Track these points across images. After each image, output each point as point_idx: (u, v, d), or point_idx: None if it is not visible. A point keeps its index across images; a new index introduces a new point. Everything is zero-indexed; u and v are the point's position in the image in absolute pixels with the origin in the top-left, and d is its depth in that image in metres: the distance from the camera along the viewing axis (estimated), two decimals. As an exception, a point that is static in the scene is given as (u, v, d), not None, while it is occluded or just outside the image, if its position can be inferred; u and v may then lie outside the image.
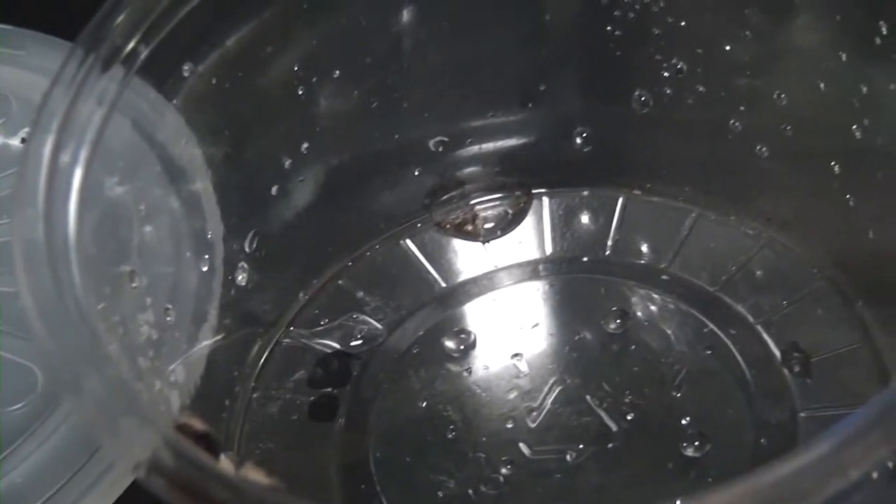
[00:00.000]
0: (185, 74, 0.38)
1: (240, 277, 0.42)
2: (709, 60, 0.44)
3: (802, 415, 0.41)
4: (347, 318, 0.45)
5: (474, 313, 0.45)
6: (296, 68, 0.43)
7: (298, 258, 0.46)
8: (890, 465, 0.32)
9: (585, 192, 0.47)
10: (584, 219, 0.47)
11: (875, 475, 0.32)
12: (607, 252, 0.46)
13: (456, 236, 0.47)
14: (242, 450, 0.41)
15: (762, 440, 0.40)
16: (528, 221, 0.47)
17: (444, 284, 0.46)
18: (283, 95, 0.43)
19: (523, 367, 0.43)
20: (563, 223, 0.47)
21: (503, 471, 0.40)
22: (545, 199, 0.47)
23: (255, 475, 0.32)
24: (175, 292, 0.39)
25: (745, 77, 0.44)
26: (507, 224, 0.47)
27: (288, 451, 0.42)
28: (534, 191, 0.47)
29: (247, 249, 0.43)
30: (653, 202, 0.47)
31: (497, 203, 0.48)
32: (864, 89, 0.40)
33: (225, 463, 0.36)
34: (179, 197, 0.40)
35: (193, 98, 0.39)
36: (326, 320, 0.45)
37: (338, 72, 0.44)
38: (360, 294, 0.46)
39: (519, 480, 0.40)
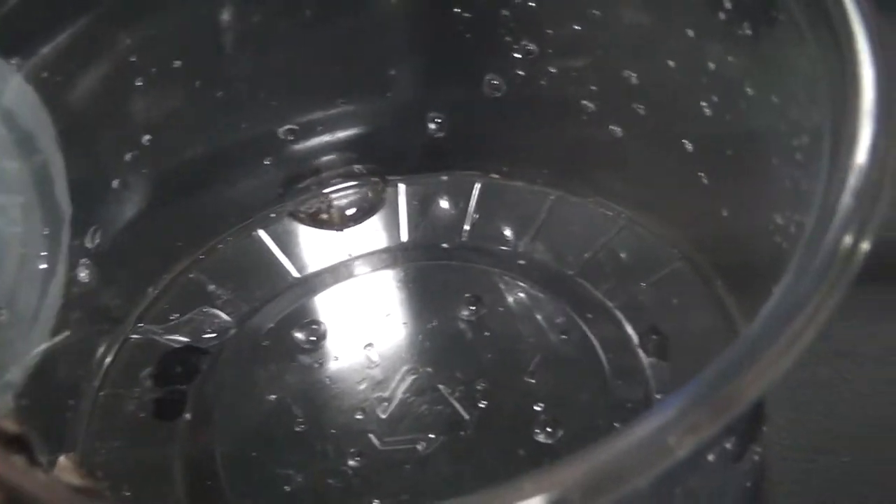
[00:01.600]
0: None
1: (82, 274, 0.41)
2: (558, 41, 0.44)
3: (658, 397, 0.40)
4: (197, 312, 0.44)
5: (327, 304, 0.44)
6: (133, 59, 0.41)
7: (146, 253, 0.44)
8: (728, 446, 0.32)
9: (443, 178, 0.47)
10: (441, 205, 0.46)
11: (711, 458, 0.32)
12: (464, 238, 0.45)
13: (311, 225, 0.46)
14: (87, 449, 0.40)
15: (616, 424, 0.40)
16: (385, 209, 0.46)
17: (297, 275, 0.45)
18: (119, 87, 0.42)
19: (375, 357, 0.42)
20: (420, 210, 0.46)
21: (351, 463, 0.39)
22: (401, 186, 0.47)
23: (69, 476, 0.31)
24: (9, 292, 0.38)
25: (594, 56, 0.44)
26: (362, 212, 0.46)
27: (133, 449, 0.40)
28: (389, 178, 0.47)
29: (88, 245, 0.41)
30: (510, 186, 0.46)
31: (352, 191, 0.47)
32: (712, 66, 0.40)
33: (64, 464, 0.35)
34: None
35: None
36: (177, 315, 0.44)
37: (178, 62, 0.43)
38: (212, 287, 0.44)
39: (368, 472, 0.39)
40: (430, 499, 0.38)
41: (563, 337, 0.42)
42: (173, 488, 0.39)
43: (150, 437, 0.41)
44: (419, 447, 0.39)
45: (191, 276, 0.45)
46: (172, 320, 0.43)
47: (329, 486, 0.38)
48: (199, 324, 0.43)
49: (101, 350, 0.42)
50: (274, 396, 0.41)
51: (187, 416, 0.41)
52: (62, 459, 0.32)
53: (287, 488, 0.38)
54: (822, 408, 0.38)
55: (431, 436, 0.39)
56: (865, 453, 0.36)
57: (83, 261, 0.41)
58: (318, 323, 0.43)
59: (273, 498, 0.39)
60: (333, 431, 0.40)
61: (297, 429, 0.40)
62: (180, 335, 0.43)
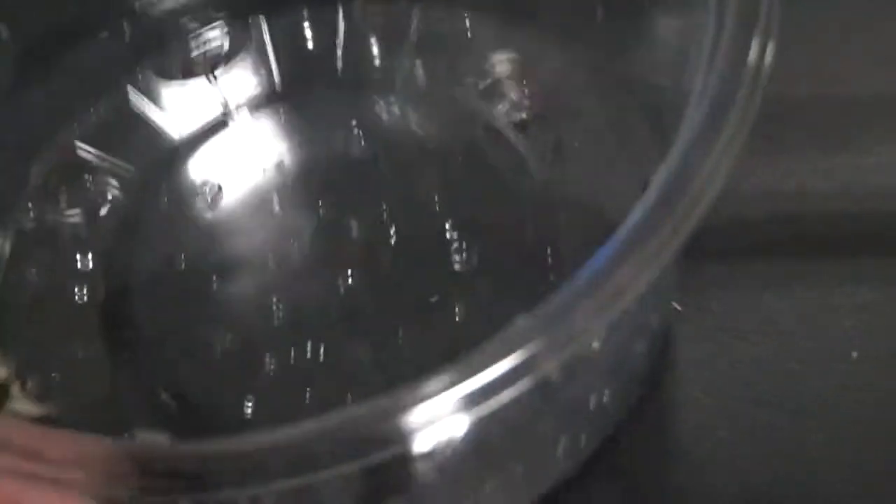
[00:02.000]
0: None
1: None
2: None
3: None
4: (84, 188, 0.43)
5: (214, 158, 0.43)
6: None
7: (20, 135, 0.43)
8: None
9: (304, 10, 0.46)
10: (308, 36, 0.46)
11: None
12: (337, 67, 0.45)
13: (181, 79, 0.45)
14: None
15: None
16: (251, 51, 0.45)
17: (177, 135, 0.44)
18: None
19: (275, 203, 0.42)
20: (288, 46, 0.45)
21: (276, 313, 0.39)
22: (263, 25, 0.45)
23: (25, 405, 0.31)
24: None
25: None
26: (229, 56, 0.45)
27: (60, 345, 0.39)
28: (250, 18, 0.46)
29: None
30: (376, 7, 0.46)
31: (215, 36, 0.45)
32: None
33: (17, 394, 0.34)
34: None
35: None
36: (65, 193, 0.43)
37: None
38: (93, 159, 0.43)
39: (293, 322, 0.39)
40: (362, 340, 0.39)
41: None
42: (101, 379, 0.39)
43: (69, 327, 0.40)
44: (341, 287, 0.40)
45: (70, 151, 0.43)
46: (62, 199, 0.43)
47: (257, 343, 0.39)
48: (90, 198, 0.43)
49: (-2, 244, 0.42)
50: (184, 264, 0.41)
51: (101, 296, 0.41)
52: (14, 388, 0.31)
53: (218, 350, 0.39)
54: (703, 385, 0.39)
55: (349, 272, 0.40)
56: (745, 429, 0.37)
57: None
58: (210, 180, 0.42)
59: (205, 366, 0.39)
60: (250, 288, 0.40)
61: (214, 288, 0.40)
62: (73, 214, 0.42)
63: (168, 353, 0.39)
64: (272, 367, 0.38)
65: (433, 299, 0.39)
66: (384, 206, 0.41)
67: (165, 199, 0.42)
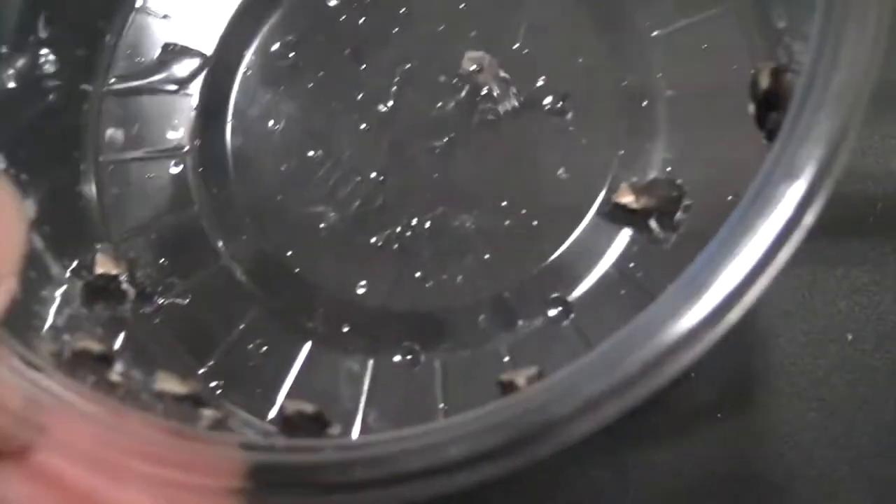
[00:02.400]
0: None
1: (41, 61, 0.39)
2: None
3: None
4: (164, 54, 0.42)
5: (295, 17, 0.41)
6: None
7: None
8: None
9: None
10: None
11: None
12: None
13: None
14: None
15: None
16: None
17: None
18: None
19: (361, 60, 0.41)
20: None
21: (374, 177, 0.39)
22: None
23: (172, 385, 0.31)
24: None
25: None
26: None
27: (157, 220, 0.40)
28: None
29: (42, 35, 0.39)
30: None
31: None
32: None
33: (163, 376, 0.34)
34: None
35: None
36: (140, 59, 0.42)
37: None
38: (164, 24, 0.42)
39: (396, 185, 0.39)
40: (465, 205, 0.39)
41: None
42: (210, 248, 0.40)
43: (166, 204, 0.41)
44: (436, 147, 0.39)
45: (137, 17, 0.42)
46: (141, 65, 0.42)
47: (362, 211, 0.39)
48: (168, 64, 0.42)
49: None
50: (277, 128, 0.40)
51: (200, 169, 0.41)
52: (160, 373, 0.32)
53: (322, 226, 0.39)
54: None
55: (446, 134, 0.39)
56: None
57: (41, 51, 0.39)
58: (289, 39, 0.41)
59: (311, 239, 0.39)
60: (348, 152, 0.40)
61: (311, 154, 0.40)
62: (156, 80, 0.41)
63: (273, 234, 0.40)
64: (377, 240, 0.39)
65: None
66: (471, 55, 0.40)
67: (246, 63, 0.41)
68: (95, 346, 0.33)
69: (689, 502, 0.38)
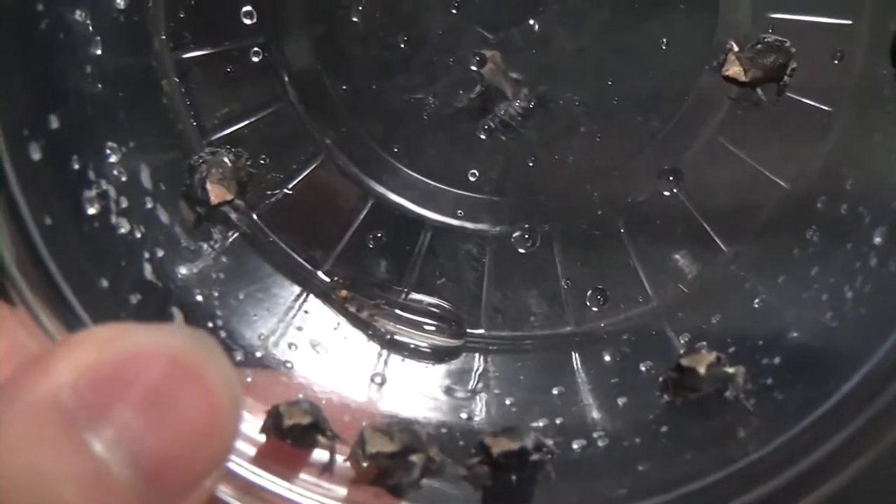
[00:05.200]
0: None
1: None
2: None
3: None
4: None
5: None
6: None
7: None
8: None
9: None
10: None
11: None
12: None
13: None
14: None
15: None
16: None
17: None
18: None
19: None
20: None
21: (473, 67, 0.38)
22: None
23: (380, 444, 0.32)
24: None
25: None
26: None
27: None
28: None
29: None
30: None
31: None
32: None
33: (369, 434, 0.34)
34: None
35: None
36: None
37: None
38: None
39: (493, 70, 0.38)
40: (569, 83, 0.38)
41: None
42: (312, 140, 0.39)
43: (258, 97, 0.39)
44: (534, 24, 0.38)
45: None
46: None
47: (463, 97, 0.38)
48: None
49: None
50: (358, 17, 0.38)
51: (285, 60, 0.39)
52: (365, 428, 0.32)
53: (425, 116, 0.39)
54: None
55: (539, 9, 0.38)
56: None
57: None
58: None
59: (415, 129, 0.39)
60: (440, 33, 0.38)
61: (402, 46, 0.38)
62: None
63: (376, 128, 0.39)
64: (483, 124, 0.38)
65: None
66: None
67: None
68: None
69: None
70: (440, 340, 0.39)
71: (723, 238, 0.38)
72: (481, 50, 0.38)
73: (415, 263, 0.40)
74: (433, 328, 0.39)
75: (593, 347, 0.39)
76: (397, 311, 0.38)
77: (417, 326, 0.39)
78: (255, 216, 0.39)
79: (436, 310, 0.39)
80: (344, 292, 0.38)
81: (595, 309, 0.39)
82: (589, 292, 0.39)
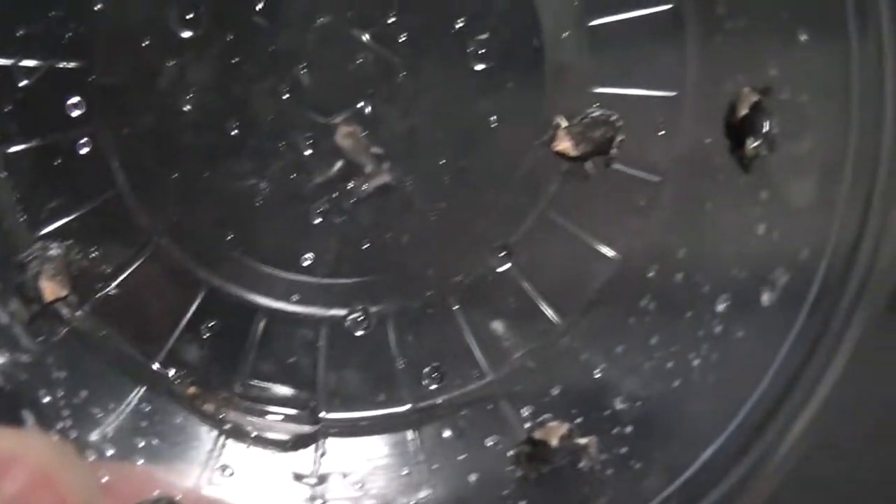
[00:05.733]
0: None
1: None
2: None
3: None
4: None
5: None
6: None
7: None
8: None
9: None
10: None
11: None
12: None
13: None
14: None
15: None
16: None
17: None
18: None
19: (267, 21, 0.37)
20: None
21: (307, 151, 0.38)
22: None
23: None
24: None
25: None
26: None
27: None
28: None
29: None
30: None
31: None
32: None
33: None
34: None
35: None
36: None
37: None
38: None
39: (326, 150, 0.38)
40: (401, 165, 0.39)
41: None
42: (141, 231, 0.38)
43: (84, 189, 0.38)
44: (363, 107, 0.38)
45: None
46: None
47: (296, 181, 0.38)
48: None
49: None
50: (188, 105, 0.37)
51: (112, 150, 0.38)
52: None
53: (259, 202, 0.38)
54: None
55: (370, 91, 0.38)
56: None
57: None
58: (195, 4, 0.37)
59: (248, 215, 0.38)
60: (271, 118, 0.38)
61: (233, 133, 0.38)
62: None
63: (208, 217, 0.38)
64: (316, 209, 0.38)
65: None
66: (389, 11, 0.37)
67: (145, 31, 0.37)
68: None
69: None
70: (294, 427, 0.38)
71: (555, 311, 0.39)
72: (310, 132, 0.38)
73: (249, 351, 0.39)
74: (283, 416, 0.38)
75: (432, 424, 0.39)
76: (245, 403, 0.38)
77: (266, 415, 0.38)
78: (86, 311, 0.38)
79: (287, 396, 0.39)
80: (192, 389, 0.37)
81: (433, 387, 0.40)
82: (425, 370, 0.40)
